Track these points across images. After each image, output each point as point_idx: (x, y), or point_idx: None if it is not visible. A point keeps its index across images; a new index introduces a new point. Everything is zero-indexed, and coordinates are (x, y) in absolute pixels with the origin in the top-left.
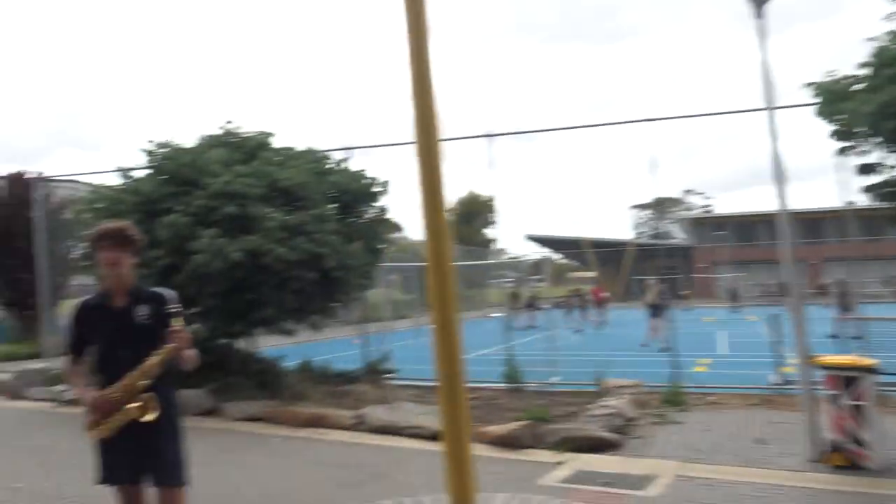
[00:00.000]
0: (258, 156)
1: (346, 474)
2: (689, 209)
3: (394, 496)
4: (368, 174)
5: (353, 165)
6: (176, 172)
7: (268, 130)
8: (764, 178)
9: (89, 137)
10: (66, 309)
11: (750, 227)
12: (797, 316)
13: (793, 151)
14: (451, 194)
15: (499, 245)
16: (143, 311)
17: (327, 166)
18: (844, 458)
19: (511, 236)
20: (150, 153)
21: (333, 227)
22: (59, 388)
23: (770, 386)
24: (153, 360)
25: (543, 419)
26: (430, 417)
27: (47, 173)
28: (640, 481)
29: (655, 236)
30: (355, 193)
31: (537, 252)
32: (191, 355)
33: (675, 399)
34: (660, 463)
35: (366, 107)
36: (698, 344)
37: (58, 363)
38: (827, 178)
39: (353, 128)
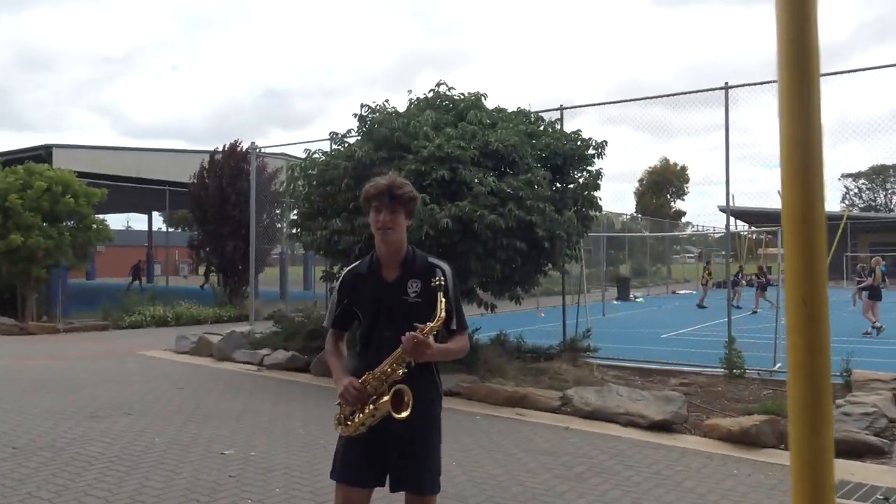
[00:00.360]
0: (466, 117)
1: (561, 464)
2: None
3: (622, 494)
4: (584, 135)
5: (566, 126)
6: (388, 137)
7: (481, 91)
8: None
9: (294, 117)
10: (270, 276)
11: None
12: None
13: None
14: (642, 162)
15: (688, 218)
16: (416, 287)
17: (540, 128)
18: None
19: (704, 208)
20: (361, 118)
21: (545, 193)
22: (263, 352)
23: None
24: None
25: (780, 414)
26: (646, 404)
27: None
28: None
29: (868, 209)
30: (566, 156)
31: (730, 225)
32: (442, 349)
33: None
34: None
35: (575, 64)
36: None
37: (262, 327)
38: None
39: (562, 87)
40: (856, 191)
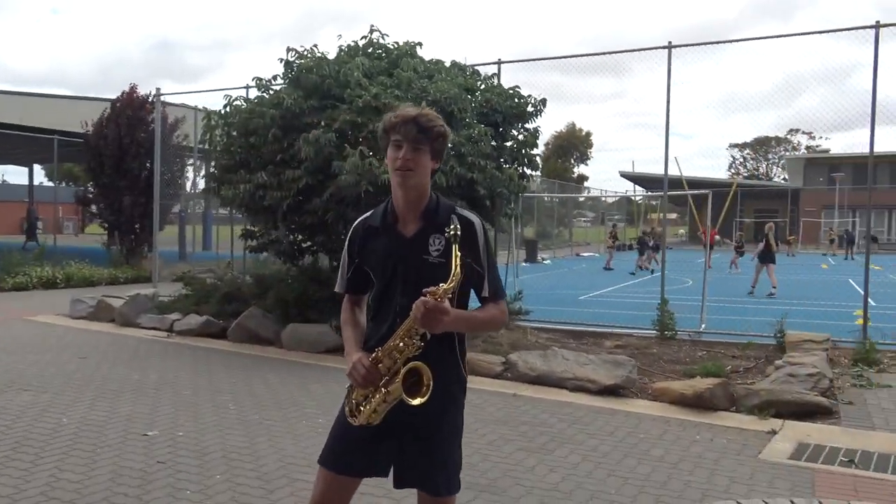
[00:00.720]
0: (401, 65)
1: (521, 435)
2: (794, 149)
3: (594, 467)
4: (522, 92)
5: (504, 82)
6: (319, 85)
7: (415, 40)
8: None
9: (186, 70)
10: (169, 235)
11: (866, 170)
12: None
13: None
14: (549, 127)
15: (591, 182)
16: (438, 243)
17: (477, 83)
18: None
19: (606, 173)
20: (287, 64)
21: (487, 149)
22: (173, 316)
23: None
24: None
25: (720, 374)
26: (594, 368)
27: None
28: (892, 462)
29: (751, 177)
30: (506, 113)
31: (629, 191)
32: (464, 318)
33: (869, 357)
34: None
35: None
36: (841, 294)
37: (165, 289)
38: None
39: (465, 49)
40: (741, 160)
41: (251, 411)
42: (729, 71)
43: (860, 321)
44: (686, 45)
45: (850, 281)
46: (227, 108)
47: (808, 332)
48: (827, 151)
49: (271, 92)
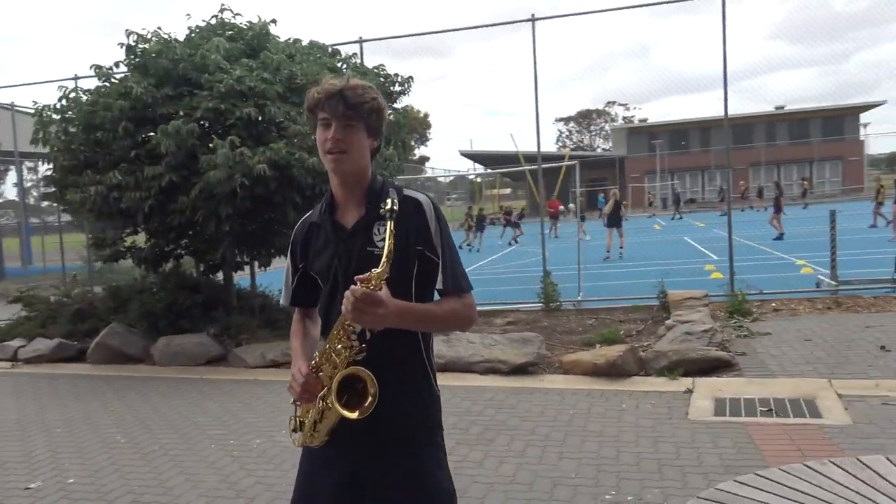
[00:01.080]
0: (265, 47)
1: (453, 427)
2: (613, 120)
3: (542, 452)
4: (388, 71)
5: (367, 62)
6: (171, 70)
7: (267, 19)
8: (674, 88)
9: None
10: None
11: (681, 135)
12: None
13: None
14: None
15: (433, 162)
16: (384, 232)
17: (338, 63)
18: None
19: (445, 153)
20: (129, 48)
21: None
22: (15, 343)
23: (833, 287)
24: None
25: (618, 340)
26: (502, 349)
27: None
28: (804, 406)
29: (577, 149)
30: None
31: (470, 169)
32: (410, 310)
33: (742, 309)
34: (801, 382)
35: None
36: (683, 251)
37: (2, 313)
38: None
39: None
40: (567, 133)
41: (146, 441)
42: (546, 49)
43: (715, 275)
44: (549, 18)
45: (686, 238)
46: (64, 102)
47: (676, 290)
48: (645, 120)
49: (114, 81)
